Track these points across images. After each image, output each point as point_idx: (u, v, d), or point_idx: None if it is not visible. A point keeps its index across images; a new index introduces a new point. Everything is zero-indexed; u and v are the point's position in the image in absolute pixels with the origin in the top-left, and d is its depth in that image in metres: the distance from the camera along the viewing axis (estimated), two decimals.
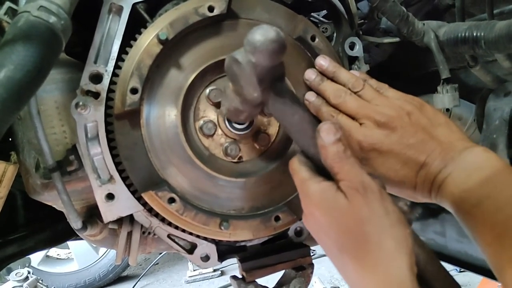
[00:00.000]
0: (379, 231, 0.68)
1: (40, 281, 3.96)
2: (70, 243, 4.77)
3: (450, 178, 0.77)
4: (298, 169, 0.77)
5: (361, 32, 1.17)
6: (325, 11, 1.29)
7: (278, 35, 0.65)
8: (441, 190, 0.78)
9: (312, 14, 1.25)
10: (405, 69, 1.41)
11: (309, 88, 0.96)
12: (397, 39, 1.21)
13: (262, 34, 0.65)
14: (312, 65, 0.97)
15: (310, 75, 0.95)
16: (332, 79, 0.94)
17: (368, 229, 0.69)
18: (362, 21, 1.36)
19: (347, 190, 0.70)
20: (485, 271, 1.46)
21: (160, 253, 5.09)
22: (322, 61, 0.95)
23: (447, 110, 1.15)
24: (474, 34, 1.02)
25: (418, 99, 0.89)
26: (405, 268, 0.66)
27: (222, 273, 4.95)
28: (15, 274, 3.79)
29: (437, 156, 0.80)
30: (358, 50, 1.05)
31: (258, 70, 0.70)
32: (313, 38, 0.97)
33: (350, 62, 1.06)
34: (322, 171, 0.75)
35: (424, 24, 1.14)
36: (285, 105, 0.77)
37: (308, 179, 0.75)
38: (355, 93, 0.90)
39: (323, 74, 0.95)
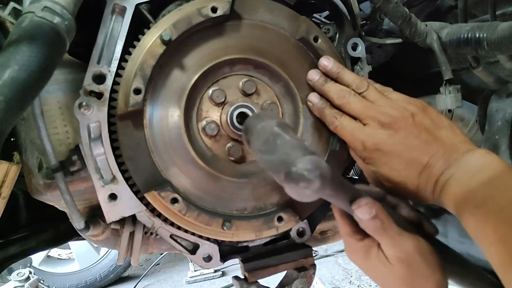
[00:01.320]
0: (422, 282, 0.78)
1: (41, 281, 3.97)
2: (71, 243, 4.78)
3: (453, 179, 0.77)
4: (341, 223, 0.84)
5: (363, 33, 1.16)
6: (327, 12, 1.29)
7: (321, 176, 0.61)
8: (443, 191, 0.79)
9: (314, 15, 1.25)
10: (407, 70, 1.41)
11: (312, 89, 0.96)
12: (399, 40, 1.21)
13: (306, 180, 0.61)
14: (314, 66, 0.97)
15: (314, 75, 0.95)
16: (336, 80, 0.94)
17: (411, 284, 0.78)
18: (365, 22, 1.36)
19: (391, 258, 0.78)
20: (487, 272, 1.45)
21: (161, 254, 5.09)
22: (326, 62, 0.95)
23: (450, 111, 1.15)
24: (477, 35, 1.02)
25: (422, 102, 0.89)
26: None
27: (223, 274, 4.94)
28: (17, 274, 3.79)
29: (440, 158, 0.81)
30: (360, 51, 1.05)
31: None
32: (315, 39, 0.97)
33: (352, 63, 1.06)
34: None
35: (426, 25, 1.14)
36: (327, 197, 0.73)
37: (350, 235, 0.83)
38: (359, 94, 0.91)
39: (326, 75, 0.96)
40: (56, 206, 0.97)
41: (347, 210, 0.79)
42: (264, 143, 0.74)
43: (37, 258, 4.72)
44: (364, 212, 0.75)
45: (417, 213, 0.87)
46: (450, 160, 0.79)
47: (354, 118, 0.90)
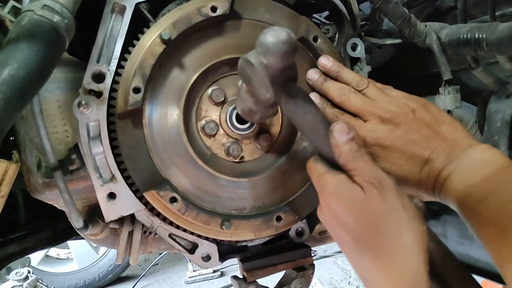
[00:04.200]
0: (397, 225, 0.69)
1: (40, 281, 3.96)
2: (70, 243, 4.77)
3: (455, 174, 0.77)
4: (314, 166, 0.79)
5: (363, 33, 1.17)
6: (327, 12, 1.29)
7: (289, 36, 0.66)
8: (445, 186, 0.78)
9: (314, 15, 1.25)
10: (406, 70, 1.41)
11: (312, 89, 0.96)
12: (399, 41, 1.21)
13: (274, 35, 0.65)
14: (314, 65, 0.97)
15: (313, 75, 0.95)
16: (336, 79, 0.94)
17: (385, 222, 0.69)
18: (364, 22, 1.36)
19: (363, 184, 0.71)
20: (486, 273, 1.46)
21: (160, 254, 5.09)
22: (325, 61, 0.95)
23: (449, 111, 1.15)
24: (476, 36, 1.02)
25: (422, 98, 0.89)
26: (421, 263, 0.67)
27: (222, 274, 4.94)
28: (15, 274, 3.79)
29: (441, 153, 0.80)
30: (360, 51, 1.05)
31: (270, 72, 0.71)
32: (315, 39, 0.97)
33: (352, 63, 1.06)
34: (337, 168, 0.76)
35: (426, 25, 1.14)
36: (297, 105, 0.77)
37: (325, 173, 0.76)
38: (359, 91, 0.91)
39: (326, 74, 0.96)
40: (55, 205, 0.97)
41: (317, 137, 0.77)
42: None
43: (35, 257, 4.71)
44: (342, 131, 0.73)
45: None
46: (452, 155, 0.79)
47: (355, 115, 0.90)
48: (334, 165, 0.76)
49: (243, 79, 0.78)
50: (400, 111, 0.86)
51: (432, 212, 1.58)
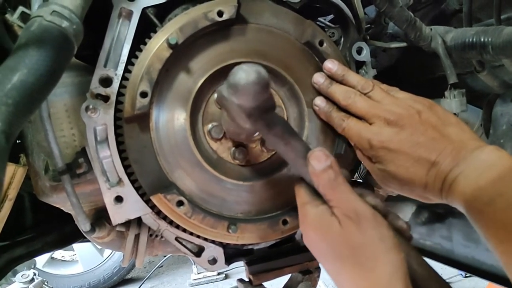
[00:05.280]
0: (373, 257, 0.70)
1: (45, 283, 3.98)
2: (75, 245, 4.79)
3: (462, 176, 0.77)
4: (298, 192, 0.82)
5: (368, 37, 1.17)
6: (332, 15, 1.29)
7: (259, 76, 0.62)
8: (452, 188, 0.78)
9: (319, 18, 1.25)
10: (412, 74, 1.41)
11: (317, 93, 0.97)
12: (404, 44, 1.21)
13: (243, 77, 0.62)
14: (319, 69, 0.98)
15: (319, 78, 0.96)
16: (341, 82, 0.95)
17: (362, 255, 0.70)
18: (369, 26, 1.37)
19: (340, 217, 0.72)
20: (492, 276, 1.45)
21: (165, 256, 5.10)
22: (331, 65, 0.96)
23: (454, 114, 1.15)
24: (482, 39, 1.02)
25: (428, 100, 0.89)
26: None
27: (226, 276, 4.95)
28: (21, 276, 3.81)
29: (448, 155, 0.80)
30: (365, 55, 1.05)
31: (243, 108, 0.69)
32: (321, 43, 0.98)
33: (357, 67, 1.06)
34: (319, 195, 0.78)
35: (431, 29, 1.14)
36: (276, 136, 0.78)
37: (306, 203, 0.79)
38: (365, 94, 0.91)
39: (332, 77, 0.96)
40: (62, 208, 0.98)
41: (299, 166, 0.78)
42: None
43: (41, 260, 4.74)
44: (319, 158, 0.74)
45: (384, 204, 0.82)
46: (459, 157, 0.79)
47: (361, 118, 0.90)
48: (316, 192, 0.78)
49: (222, 107, 0.78)
50: (406, 113, 0.86)
51: (438, 215, 1.58)
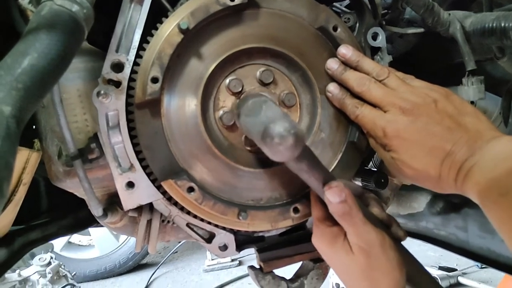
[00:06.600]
0: (380, 276, 0.81)
1: (62, 266, 4.07)
2: (91, 230, 4.88)
3: (477, 167, 0.75)
4: (314, 206, 0.89)
5: (384, 23, 1.14)
6: (347, 1, 1.27)
7: (297, 138, 0.63)
8: (466, 179, 0.76)
9: (334, 4, 1.23)
10: (429, 60, 1.38)
11: (331, 79, 0.95)
12: (421, 30, 1.18)
13: (281, 137, 0.63)
14: (334, 55, 0.96)
15: (333, 64, 0.94)
16: (356, 69, 0.93)
17: (370, 275, 0.81)
18: (386, 11, 1.34)
19: (353, 245, 0.81)
20: (508, 268, 1.43)
21: (179, 242, 5.16)
22: (345, 50, 0.94)
23: (472, 102, 1.12)
24: (502, 24, 0.99)
25: (444, 89, 0.87)
26: None
27: (240, 263, 4.99)
28: (38, 259, 3.91)
29: (463, 145, 0.78)
30: (381, 41, 1.03)
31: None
32: (335, 28, 0.96)
33: (372, 53, 1.04)
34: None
35: (450, 14, 1.11)
36: (301, 170, 0.80)
37: (321, 219, 0.86)
38: (379, 81, 0.89)
39: (345, 63, 0.94)
40: (75, 193, 0.99)
41: (318, 192, 0.83)
42: (250, 107, 0.80)
43: (58, 243, 4.84)
44: (334, 194, 0.79)
45: (388, 215, 0.91)
46: (474, 147, 0.77)
47: (375, 106, 0.89)
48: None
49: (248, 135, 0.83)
50: (422, 101, 0.84)
51: (453, 204, 1.56)
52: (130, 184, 0.88)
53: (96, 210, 0.93)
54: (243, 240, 1.03)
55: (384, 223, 0.89)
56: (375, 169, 1.05)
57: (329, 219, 0.84)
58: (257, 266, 1.01)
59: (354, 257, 0.81)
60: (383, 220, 0.89)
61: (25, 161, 0.98)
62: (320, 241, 0.87)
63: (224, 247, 0.99)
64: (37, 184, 1.32)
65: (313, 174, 0.80)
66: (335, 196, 0.79)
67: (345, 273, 0.86)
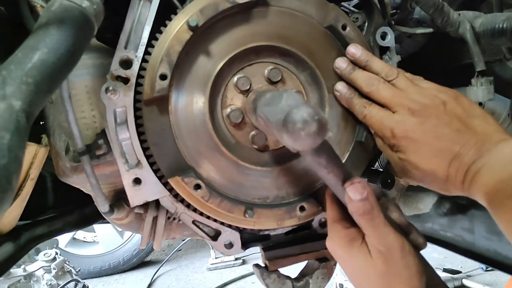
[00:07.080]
0: (399, 284, 0.77)
1: (67, 262, 4.09)
2: (96, 226, 4.90)
3: (485, 169, 0.75)
4: (330, 207, 0.85)
5: (393, 22, 1.13)
6: (356, 0, 1.26)
7: (320, 126, 0.61)
8: (474, 181, 0.76)
9: (342, 3, 1.22)
10: (438, 60, 1.37)
11: (339, 78, 0.95)
12: (430, 30, 1.18)
13: (304, 122, 0.61)
14: (342, 54, 0.96)
15: (341, 63, 0.94)
16: (364, 68, 0.93)
17: (388, 282, 0.77)
18: (395, 11, 1.33)
19: (371, 248, 0.77)
20: None
21: (184, 240, 5.17)
22: (354, 50, 0.94)
23: (481, 104, 1.11)
24: None
25: (453, 90, 0.87)
26: None
27: (244, 262, 4.99)
28: (43, 255, 3.93)
29: (471, 147, 0.78)
30: (389, 40, 1.02)
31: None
32: (344, 27, 0.95)
33: (381, 53, 1.03)
34: (350, 215, 0.79)
35: (459, 14, 1.10)
36: (320, 165, 0.76)
37: (337, 221, 0.82)
38: (388, 82, 0.89)
39: (354, 63, 0.94)
40: (82, 189, 0.99)
41: (336, 190, 0.79)
42: (270, 97, 0.77)
43: (63, 239, 4.87)
44: (356, 190, 0.75)
45: (407, 221, 0.87)
46: (483, 149, 0.77)
47: (383, 106, 0.89)
48: (348, 211, 0.79)
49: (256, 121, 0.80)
50: (431, 103, 0.84)
51: (460, 206, 1.55)
52: (137, 181, 0.88)
53: (102, 206, 0.93)
54: (248, 238, 1.03)
55: (403, 229, 0.85)
56: (381, 170, 1.05)
57: (346, 220, 0.81)
58: (263, 265, 1.01)
59: (372, 262, 0.76)
60: (402, 225, 0.86)
61: (33, 156, 0.99)
62: (336, 243, 0.82)
63: (229, 245, 0.99)
64: (44, 180, 1.33)
65: (333, 170, 0.76)
66: (356, 193, 0.74)
67: (360, 278, 0.81)
